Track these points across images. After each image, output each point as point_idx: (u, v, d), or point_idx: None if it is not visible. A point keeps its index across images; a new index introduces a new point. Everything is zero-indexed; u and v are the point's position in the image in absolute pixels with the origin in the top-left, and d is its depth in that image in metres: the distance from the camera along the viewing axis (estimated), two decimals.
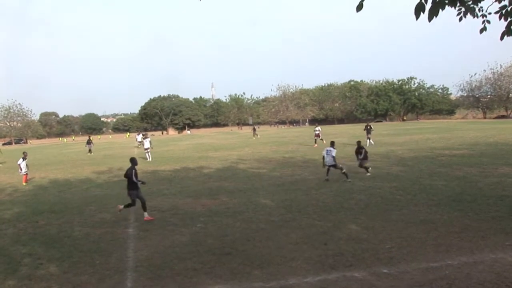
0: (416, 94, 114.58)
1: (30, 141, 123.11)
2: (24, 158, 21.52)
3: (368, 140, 31.30)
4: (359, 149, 17.46)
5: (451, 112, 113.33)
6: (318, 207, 12.06)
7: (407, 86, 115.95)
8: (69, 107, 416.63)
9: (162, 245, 9.25)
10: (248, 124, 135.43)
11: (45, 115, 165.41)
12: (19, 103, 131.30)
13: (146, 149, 31.00)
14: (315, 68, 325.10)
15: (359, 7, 5.51)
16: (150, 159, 29.79)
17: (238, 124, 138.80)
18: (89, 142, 42.23)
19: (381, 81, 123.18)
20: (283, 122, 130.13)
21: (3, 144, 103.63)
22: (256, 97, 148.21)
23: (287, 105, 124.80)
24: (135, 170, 12.01)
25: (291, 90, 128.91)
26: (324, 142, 32.69)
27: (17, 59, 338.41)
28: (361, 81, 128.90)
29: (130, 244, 9.58)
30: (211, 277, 7.32)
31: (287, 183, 16.25)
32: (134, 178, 11.82)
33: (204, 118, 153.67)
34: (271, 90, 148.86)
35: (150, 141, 31.95)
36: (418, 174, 16.75)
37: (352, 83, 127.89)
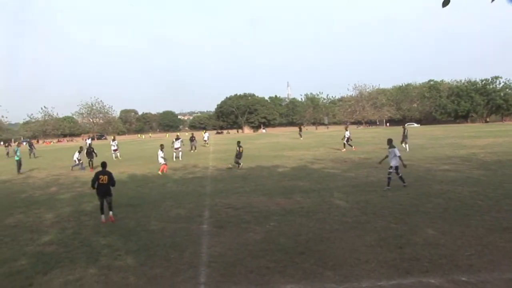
0: (502, 94, 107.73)
1: (111, 137, 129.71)
2: (161, 150, 23.83)
3: (404, 145, 29.52)
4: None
5: None
6: (393, 209, 11.76)
7: (491, 86, 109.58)
8: (148, 104, 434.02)
9: (236, 242, 9.44)
10: (323, 124, 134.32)
11: (125, 112, 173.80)
12: (101, 101, 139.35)
13: (177, 148, 31.66)
14: (393, 67, 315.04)
15: (445, 3, 5.32)
16: (181, 159, 30.68)
17: (313, 123, 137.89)
18: (192, 139, 41.50)
19: (462, 81, 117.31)
20: (359, 122, 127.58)
21: (85, 140, 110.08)
22: (332, 97, 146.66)
23: (363, 105, 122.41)
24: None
25: (367, 90, 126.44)
26: (354, 148, 31.71)
27: (98, 60, 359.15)
28: (441, 81, 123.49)
29: (204, 240, 9.83)
30: (284, 276, 7.41)
31: (362, 184, 15.99)
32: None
33: (279, 117, 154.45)
34: (347, 90, 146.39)
35: (181, 141, 32.97)
36: (501, 178, 15.79)
37: (431, 82, 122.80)
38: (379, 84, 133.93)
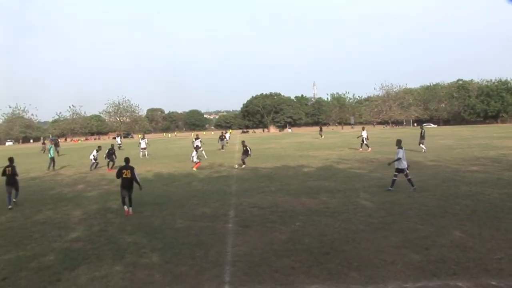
0: None
1: (139, 135, 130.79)
2: (196, 149, 24.60)
3: (421, 146, 28.81)
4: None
5: None
6: (420, 210, 11.62)
7: None
8: (174, 103, 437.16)
9: (261, 242, 9.46)
10: (349, 124, 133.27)
11: (151, 111, 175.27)
12: (128, 99, 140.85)
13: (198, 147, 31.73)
14: (420, 67, 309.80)
15: None
16: (206, 157, 30.64)
17: (339, 123, 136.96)
18: (222, 138, 41.87)
19: (493, 81, 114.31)
20: (385, 122, 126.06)
21: (113, 138, 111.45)
22: (359, 96, 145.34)
23: (390, 105, 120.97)
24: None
25: (394, 90, 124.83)
26: (370, 149, 31.26)
27: (124, 59, 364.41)
28: (471, 80, 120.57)
29: (229, 239, 9.88)
30: (308, 276, 7.41)
31: (388, 185, 15.79)
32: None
33: (305, 116, 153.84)
34: (374, 89, 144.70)
35: (200, 141, 32.83)
36: None
37: (460, 82, 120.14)
38: (406, 84, 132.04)
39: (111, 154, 27.19)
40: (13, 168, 15.58)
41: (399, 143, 15.32)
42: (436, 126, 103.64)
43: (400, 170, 14.91)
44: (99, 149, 27.74)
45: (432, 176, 17.45)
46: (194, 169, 23.21)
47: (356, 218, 11.21)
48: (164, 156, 36.49)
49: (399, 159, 14.89)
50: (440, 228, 9.80)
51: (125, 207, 12.91)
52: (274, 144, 47.98)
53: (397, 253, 8.29)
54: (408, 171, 14.92)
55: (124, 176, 12.95)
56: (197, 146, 25.80)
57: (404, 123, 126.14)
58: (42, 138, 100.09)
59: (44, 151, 47.54)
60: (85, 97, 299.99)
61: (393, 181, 15.00)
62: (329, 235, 9.73)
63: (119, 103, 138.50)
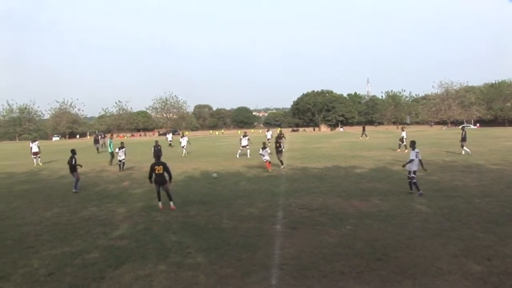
0: None
1: (186, 132, 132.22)
2: (263, 148, 23.53)
3: (465, 148, 27.37)
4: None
5: None
6: (481, 217, 10.93)
7: None
8: (221, 100, 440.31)
9: (310, 245, 9.22)
10: (405, 123, 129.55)
11: (199, 107, 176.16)
12: (175, 95, 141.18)
13: (244, 146, 31.31)
14: (483, 64, 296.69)
15: None
16: (249, 156, 30.07)
17: (394, 122, 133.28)
18: (280, 137, 40.37)
19: None
20: (443, 122, 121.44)
21: (160, 134, 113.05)
22: (415, 95, 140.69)
23: (449, 104, 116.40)
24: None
25: (454, 88, 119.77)
26: (407, 151, 29.72)
27: (172, 55, 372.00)
28: None
29: (277, 241, 9.68)
30: (359, 282, 7.11)
31: (446, 189, 15.08)
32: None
33: (358, 115, 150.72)
34: (432, 87, 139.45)
35: (248, 139, 32.05)
36: None
37: None
38: (467, 82, 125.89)
39: (157, 150, 26.80)
40: (72, 158, 18.25)
41: (413, 145, 14.83)
42: (476, 127, 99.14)
43: (416, 172, 14.51)
44: (122, 146, 26.09)
45: (495, 180, 16.48)
46: (269, 170, 22.01)
47: (411, 223, 10.71)
48: (211, 153, 36.76)
49: (411, 160, 14.43)
50: (504, 237, 9.17)
51: (160, 203, 13.55)
52: (325, 143, 47.32)
53: (456, 262, 7.80)
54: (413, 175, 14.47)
55: (156, 172, 13.52)
56: (263, 142, 24.64)
57: (465, 123, 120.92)
58: (95, 133, 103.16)
59: (103, 145, 49.30)
60: (130, 93, 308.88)
61: (415, 184, 14.45)
62: (382, 240, 9.34)
63: (166, 99, 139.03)
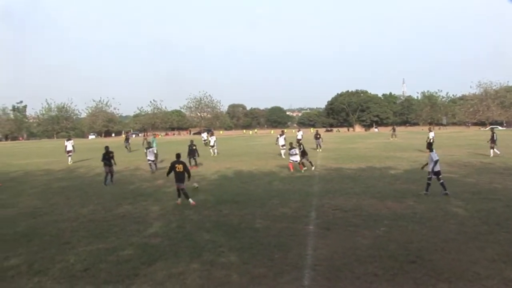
0: None
1: (221, 132, 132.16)
2: (290, 149, 23.34)
3: (495, 150, 26.52)
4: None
5: None
6: None
7: None
8: (255, 100, 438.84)
9: (343, 246, 9.18)
10: (441, 124, 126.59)
11: (232, 106, 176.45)
12: (210, 95, 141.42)
13: (283, 145, 30.89)
14: None
15: None
16: (284, 157, 29.49)
17: (430, 123, 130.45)
18: (317, 137, 37.71)
19: None
20: (482, 123, 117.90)
21: (193, 134, 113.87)
22: (452, 95, 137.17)
23: (488, 104, 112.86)
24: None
25: (494, 88, 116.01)
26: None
27: (208, 55, 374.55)
28: None
29: (310, 241, 9.68)
30: (392, 284, 7.06)
31: (484, 191, 14.71)
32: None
33: (393, 115, 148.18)
34: (470, 87, 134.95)
35: (285, 138, 31.59)
36: None
37: None
38: (507, 81, 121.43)
39: (192, 151, 26.17)
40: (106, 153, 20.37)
41: (430, 146, 15.13)
42: (505, 128, 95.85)
43: (436, 173, 14.47)
44: (148, 146, 25.50)
45: None
46: (302, 170, 21.75)
47: (446, 225, 10.54)
48: (244, 153, 36.86)
49: (436, 161, 14.43)
50: None
51: (179, 200, 14.46)
52: (359, 144, 46.83)
53: (494, 267, 7.63)
54: (434, 176, 14.50)
55: (177, 170, 14.27)
56: (290, 143, 24.12)
57: (505, 124, 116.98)
58: (130, 131, 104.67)
59: (143, 143, 50.28)
60: (162, 92, 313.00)
61: (442, 184, 14.41)
62: (416, 243, 9.22)
63: (200, 98, 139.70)
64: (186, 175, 14.32)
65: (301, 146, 23.50)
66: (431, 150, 14.94)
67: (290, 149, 22.81)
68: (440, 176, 14.54)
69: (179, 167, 14.28)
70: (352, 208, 12.79)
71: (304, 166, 22.26)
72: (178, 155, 14.95)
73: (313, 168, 22.60)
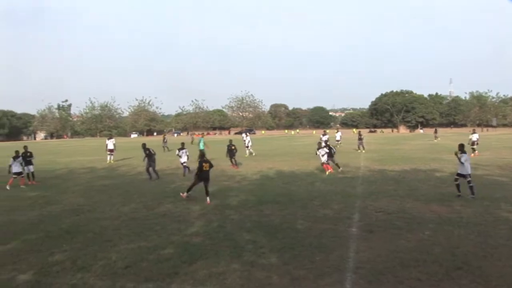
0: None
1: (263, 131, 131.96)
2: (319, 149, 23.12)
3: None
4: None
5: None
6: None
7: None
8: (297, 100, 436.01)
9: (385, 249, 9.00)
10: (491, 126, 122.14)
11: (275, 106, 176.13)
12: (252, 94, 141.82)
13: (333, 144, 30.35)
14: None
15: None
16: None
17: (478, 124, 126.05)
18: (360, 138, 37.18)
19: None
20: None
21: (235, 134, 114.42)
22: (503, 95, 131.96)
23: None
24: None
25: None
26: (475, 154, 28.03)
27: (251, 56, 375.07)
28: None
29: (352, 243, 9.53)
30: None
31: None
32: None
33: (439, 116, 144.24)
34: None
35: (328, 138, 31.13)
36: None
37: None
38: None
39: (231, 150, 25.98)
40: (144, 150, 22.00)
41: (461, 148, 14.81)
42: None
43: (460, 175, 14.44)
44: (183, 146, 24.11)
45: None
46: (327, 172, 21.33)
47: (496, 231, 10.13)
48: (286, 153, 36.73)
49: (462, 163, 14.35)
50: None
51: (186, 193, 15.11)
52: (404, 145, 45.83)
53: None
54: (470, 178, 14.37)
55: (204, 169, 14.77)
56: (319, 143, 24.12)
57: None
58: (171, 131, 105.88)
59: (192, 141, 52.03)
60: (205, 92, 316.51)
61: (471, 187, 14.22)
62: (462, 248, 8.92)
63: (242, 98, 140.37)
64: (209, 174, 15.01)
65: (329, 146, 23.16)
66: (463, 151, 14.67)
67: (318, 149, 22.56)
68: (457, 178, 14.67)
69: (206, 166, 14.82)
70: (395, 211, 12.54)
71: (339, 168, 21.96)
72: (203, 154, 15.56)
73: (340, 169, 21.96)
